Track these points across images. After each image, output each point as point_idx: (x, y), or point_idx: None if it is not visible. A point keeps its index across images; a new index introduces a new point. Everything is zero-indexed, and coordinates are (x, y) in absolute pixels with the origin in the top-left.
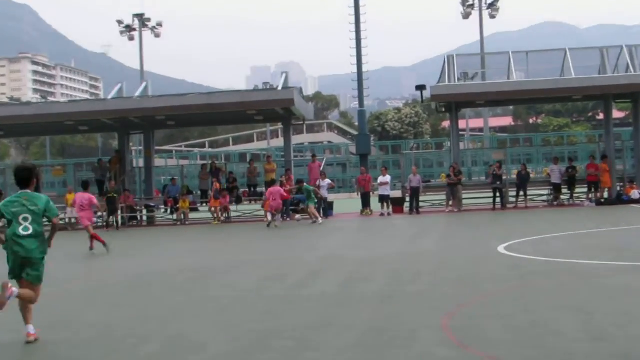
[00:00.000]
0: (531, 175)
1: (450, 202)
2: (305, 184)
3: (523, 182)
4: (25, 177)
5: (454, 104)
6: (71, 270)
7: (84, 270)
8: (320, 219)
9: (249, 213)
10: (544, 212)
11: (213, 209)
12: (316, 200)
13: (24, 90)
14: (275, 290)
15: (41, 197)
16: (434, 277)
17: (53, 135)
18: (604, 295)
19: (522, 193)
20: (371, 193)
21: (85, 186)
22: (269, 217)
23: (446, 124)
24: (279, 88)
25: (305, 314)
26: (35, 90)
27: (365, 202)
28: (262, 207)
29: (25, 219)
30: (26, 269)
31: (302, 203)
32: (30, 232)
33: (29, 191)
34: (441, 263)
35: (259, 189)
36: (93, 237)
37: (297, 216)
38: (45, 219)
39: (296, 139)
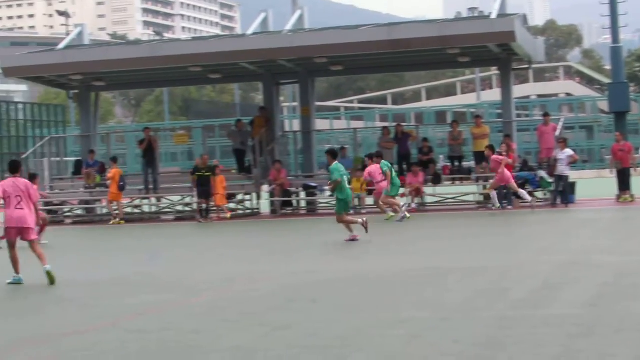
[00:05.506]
0: None
1: None
2: None
3: None
4: (14, 168)
5: None
6: None
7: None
8: None
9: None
10: None
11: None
12: None
13: (131, 23)
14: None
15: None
16: None
17: (172, 86)
18: None
19: None
20: (633, 170)
21: (14, 168)
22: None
23: None
24: (493, 16)
25: (539, 345)
26: (147, 24)
27: (624, 184)
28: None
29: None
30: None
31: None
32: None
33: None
34: None
35: (465, 164)
36: (17, 262)
37: None
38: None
39: (520, 91)
